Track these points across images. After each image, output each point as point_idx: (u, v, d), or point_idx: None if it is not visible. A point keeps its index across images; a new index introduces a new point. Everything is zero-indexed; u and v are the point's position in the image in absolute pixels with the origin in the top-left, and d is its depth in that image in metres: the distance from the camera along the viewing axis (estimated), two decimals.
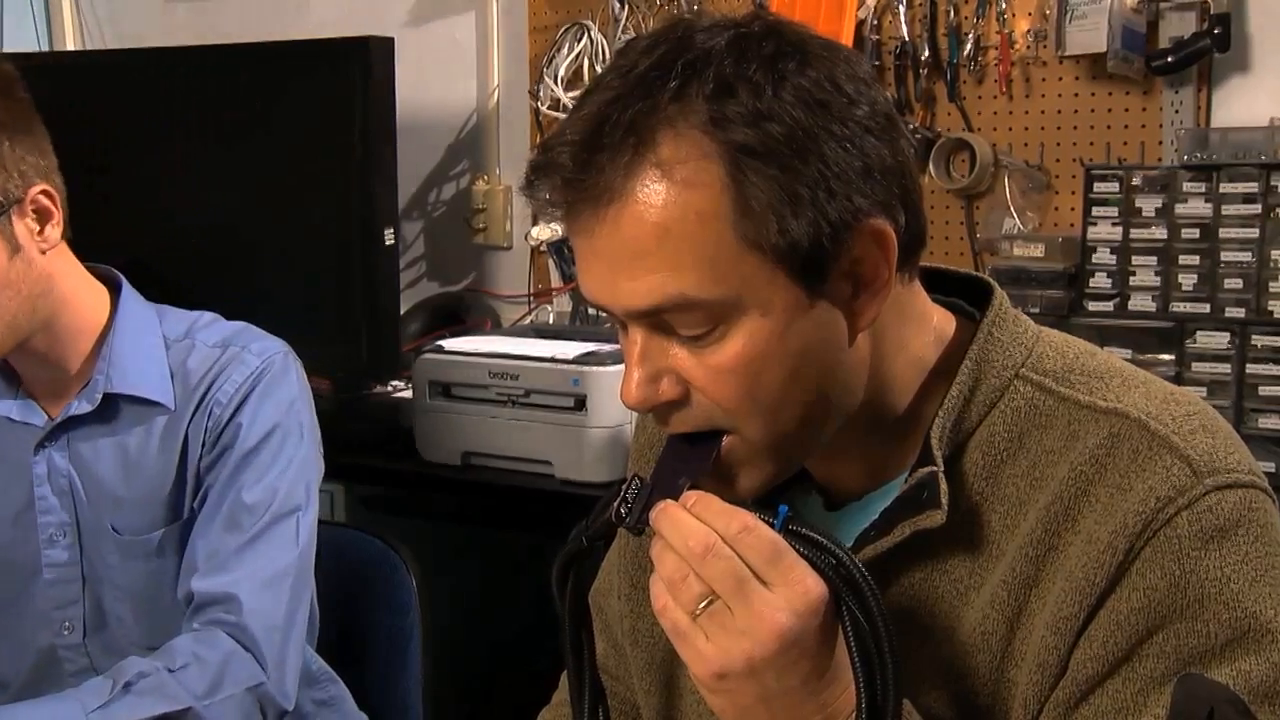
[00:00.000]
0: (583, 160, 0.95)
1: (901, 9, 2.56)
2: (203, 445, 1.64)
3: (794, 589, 0.93)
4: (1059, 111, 2.50)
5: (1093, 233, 2.34)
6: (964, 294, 1.12)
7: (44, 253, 1.57)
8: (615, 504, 1.01)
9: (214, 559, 1.60)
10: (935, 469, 1.01)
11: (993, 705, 1.01)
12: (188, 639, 1.57)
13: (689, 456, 1.01)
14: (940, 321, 1.08)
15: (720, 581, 0.93)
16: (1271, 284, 2.20)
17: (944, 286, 1.12)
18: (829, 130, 0.95)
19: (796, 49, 0.98)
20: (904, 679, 0.95)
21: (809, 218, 0.94)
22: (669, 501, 0.97)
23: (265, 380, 1.66)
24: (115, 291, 1.68)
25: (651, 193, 0.94)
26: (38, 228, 1.57)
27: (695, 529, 0.94)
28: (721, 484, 1.02)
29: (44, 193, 1.56)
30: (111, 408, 1.65)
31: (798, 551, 0.95)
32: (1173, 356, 2.26)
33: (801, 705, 0.95)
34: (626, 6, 2.80)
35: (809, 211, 0.94)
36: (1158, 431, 0.99)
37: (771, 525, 0.95)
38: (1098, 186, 2.34)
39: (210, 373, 1.65)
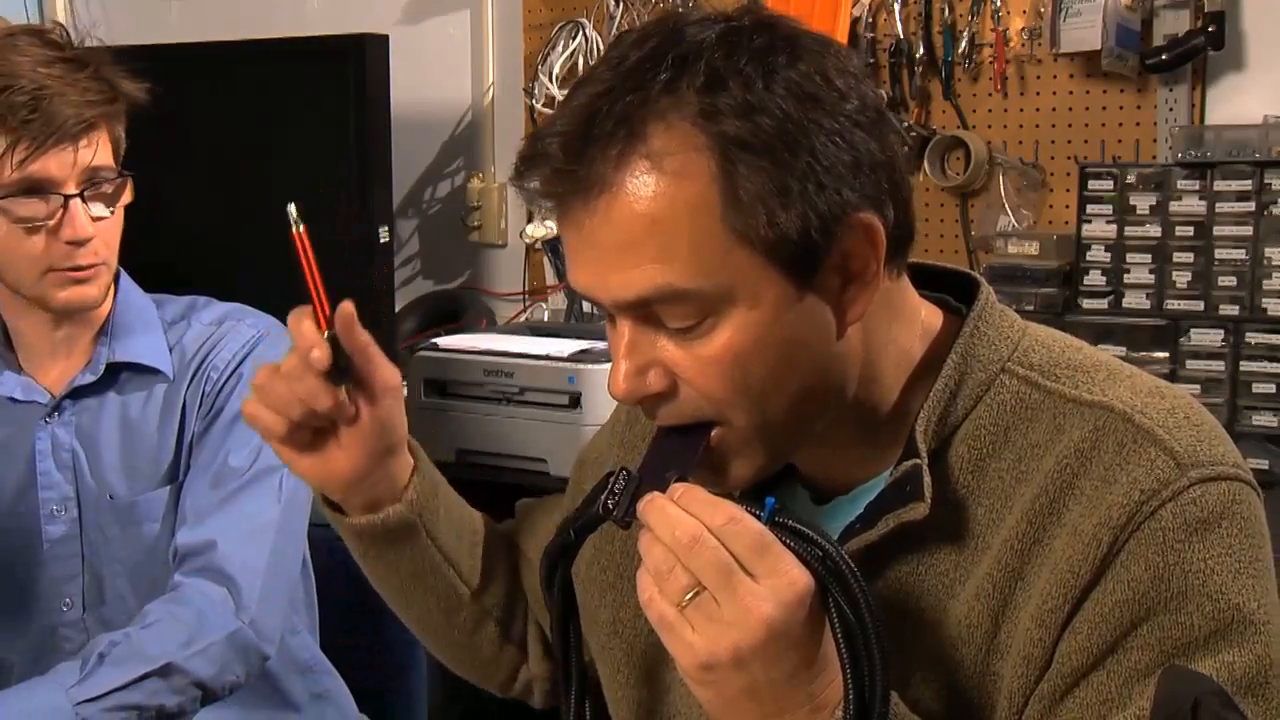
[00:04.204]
0: (573, 151, 0.95)
1: (896, 6, 2.56)
2: (198, 409, 1.71)
3: (780, 580, 0.92)
4: (1054, 109, 2.50)
5: (1087, 230, 2.34)
6: (951, 289, 1.12)
7: None
8: (603, 497, 1.01)
9: (196, 513, 1.66)
10: (919, 462, 1.01)
11: (978, 698, 1.01)
12: (158, 601, 1.61)
13: (677, 449, 1.01)
14: (928, 316, 1.08)
15: (706, 573, 0.93)
16: (1265, 281, 2.20)
17: (932, 282, 1.12)
18: (819, 124, 0.95)
19: (787, 43, 0.98)
20: (890, 670, 0.95)
21: (798, 210, 0.94)
22: (656, 493, 0.97)
23: (261, 345, 1.73)
24: (114, 281, 1.76)
25: (641, 184, 0.94)
26: None
27: (682, 520, 0.94)
28: (711, 475, 1.02)
29: None
30: (113, 377, 1.72)
31: (784, 543, 0.94)
32: (1167, 354, 2.26)
33: (789, 696, 0.95)
34: (621, 4, 2.80)
35: (798, 204, 0.94)
36: (1142, 424, 0.99)
37: (758, 517, 0.95)
38: (1092, 184, 2.34)
39: (207, 343, 1.74)
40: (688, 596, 0.93)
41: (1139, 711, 0.94)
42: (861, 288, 0.99)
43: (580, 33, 2.83)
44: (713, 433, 1.00)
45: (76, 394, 1.72)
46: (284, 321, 1.76)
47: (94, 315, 1.72)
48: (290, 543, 1.71)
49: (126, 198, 1.69)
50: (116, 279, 1.75)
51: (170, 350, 1.74)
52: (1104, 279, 2.33)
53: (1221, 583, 0.95)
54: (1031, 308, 2.35)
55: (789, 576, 0.93)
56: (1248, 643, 0.95)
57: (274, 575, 1.66)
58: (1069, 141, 2.49)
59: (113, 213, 1.67)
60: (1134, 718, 0.94)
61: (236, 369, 1.71)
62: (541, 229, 2.78)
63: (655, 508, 0.96)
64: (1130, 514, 0.96)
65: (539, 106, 2.87)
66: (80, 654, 1.56)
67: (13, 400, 1.73)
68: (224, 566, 1.62)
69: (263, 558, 1.65)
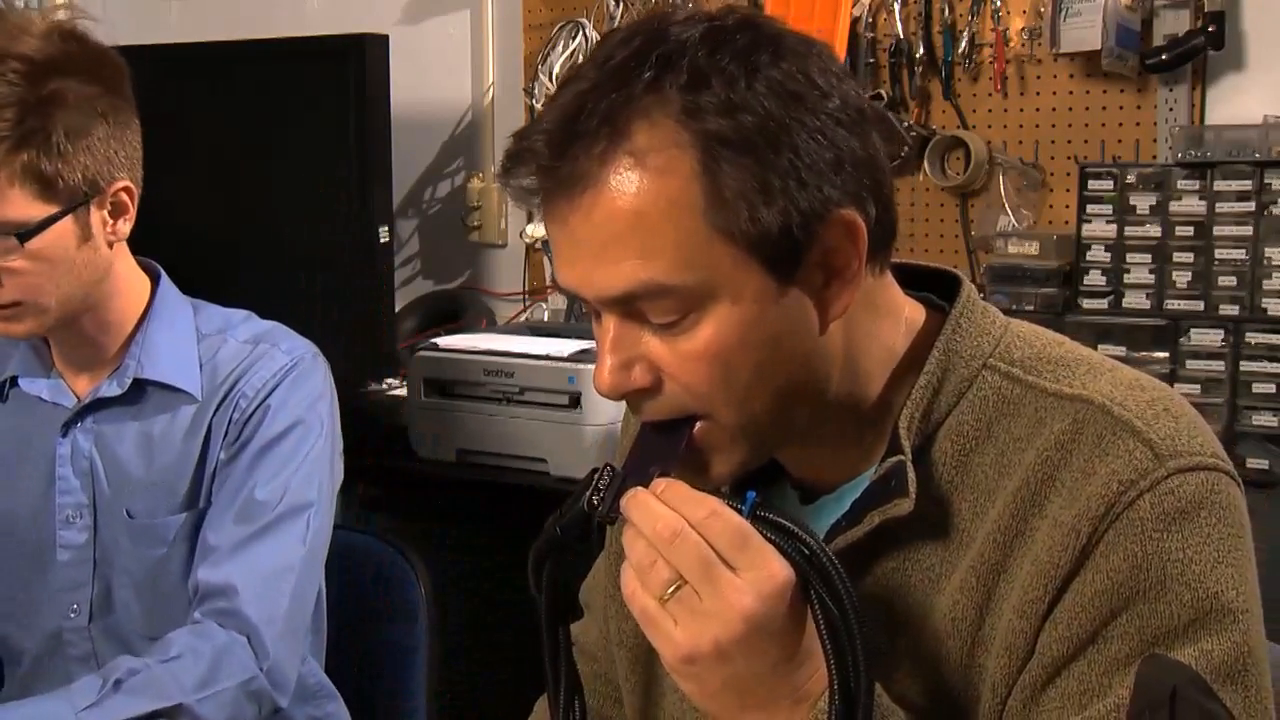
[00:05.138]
0: (557, 148, 0.96)
1: (896, 6, 2.57)
2: (224, 436, 1.67)
3: (760, 573, 0.93)
4: (1054, 109, 2.50)
5: (1087, 230, 2.34)
6: (935, 288, 1.12)
7: (111, 245, 1.63)
8: (588, 493, 1.02)
9: (219, 550, 1.62)
10: (903, 458, 1.02)
11: (964, 690, 1.01)
12: (183, 631, 1.58)
13: (660, 444, 1.02)
14: (911, 314, 1.09)
15: (687, 566, 0.94)
16: (1265, 281, 2.21)
17: (916, 281, 1.12)
18: (801, 121, 0.96)
19: (770, 42, 0.98)
20: (874, 660, 0.96)
21: (780, 207, 0.95)
22: (638, 489, 0.98)
23: (293, 375, 1.69)
24: (155, 282, 1.73)
25: (625, 180, 0.95)
26: (111, 221, 1.62)
27: (663, 514, 0.95)
28: (694, 470, 1.02)
29: (125, 189, 1.63)
30: (139, 393, 1.69)
31: (765, 537, 0.95)
32: (1167, 354, 2.27)
33: (772, 688, 0.96)
34: (621, 4, 2.80)
35: (780, 201, 0.95)
36: (1120, 416, 1.00)
37: (739, 511, 0.96)
38: (1092, 184, 2.34)
39: (239, 367, 1.69)
40: (669, 590, 0.94)
41: (1119, 700, 0.95)
42: (843, 284, 0.99)
43: (580, 33, 2.84)
44: (696, 428, 1.01)
45: (100, 404, 1.68)
46: (321, 346, 1.74)
47: (121, 324, 1.68)
48: (310, 582, 1.68)
49: (44, 243, 1.54)
50: (156, 280, 1.71)
51: (201, 367, 1.69)
52: (1104, 279, 2.33)
53: (1200, 572, 0.96)
54: (1031, 308, 2.35)
55: (769, 569, 0.94)
56: (1226, 631, 0.95)
57: (293, 619, 1.63)
58: (1069, 141, 2.50)
59: (16, 260, 1.53)
60: (1114, 707, 0.95)
61: (265, 400, 1.66)
62: (541, 229, 2.78)
63: (637, 503, 0.97)
64: (1109, 504, 0.96)
65: (539, 106, 2.88)
66: (102, 671, 1.54)
67: (41, 400, 1.71)
68: (244, 611, 1.58)
69: (282, 603, 1.62)
